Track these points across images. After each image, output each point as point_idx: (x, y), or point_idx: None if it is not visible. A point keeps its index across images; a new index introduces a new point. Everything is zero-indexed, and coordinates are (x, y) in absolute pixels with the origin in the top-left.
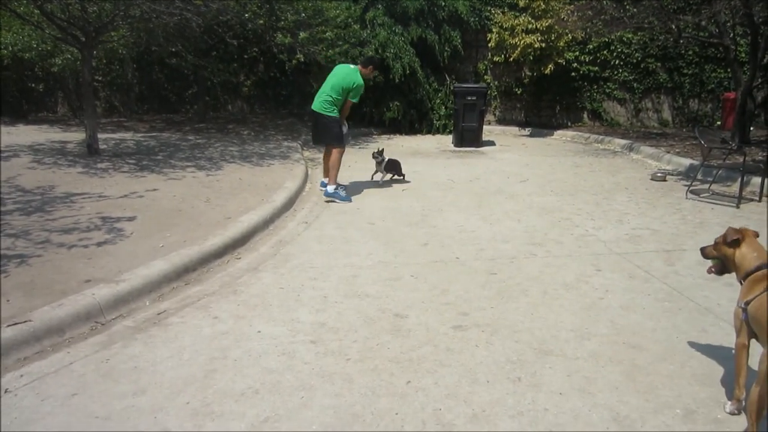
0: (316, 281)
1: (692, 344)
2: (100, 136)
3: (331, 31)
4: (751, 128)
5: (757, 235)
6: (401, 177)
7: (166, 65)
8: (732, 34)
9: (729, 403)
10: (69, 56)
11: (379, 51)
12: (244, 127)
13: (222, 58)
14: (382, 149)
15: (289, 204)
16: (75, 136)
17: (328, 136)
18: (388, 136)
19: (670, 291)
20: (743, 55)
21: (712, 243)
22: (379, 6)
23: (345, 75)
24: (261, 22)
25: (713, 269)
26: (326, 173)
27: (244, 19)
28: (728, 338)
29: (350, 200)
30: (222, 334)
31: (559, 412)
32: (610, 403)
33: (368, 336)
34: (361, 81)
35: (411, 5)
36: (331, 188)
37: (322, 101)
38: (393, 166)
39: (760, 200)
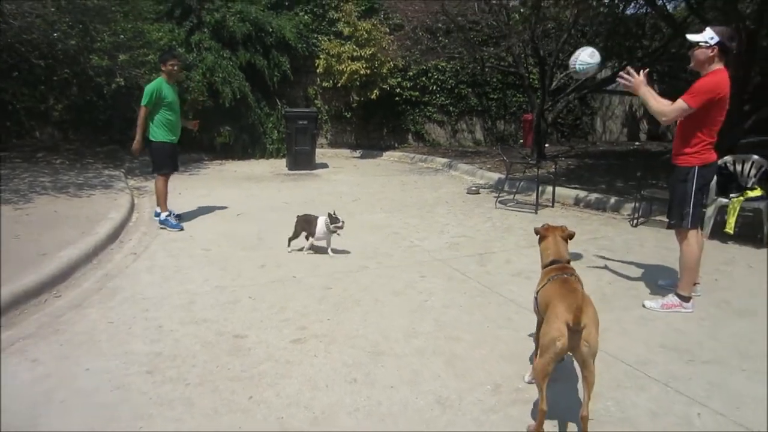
0: (149, 312)
1: (500, 331)
2: None
3: (153, 54)
4: (546, 144)
5: (564, 232)
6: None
7: None
8: (525, 64)
9: (527, 374)
10: None
11: (207, 75)
12: (56, 156)
13: (26, 81)
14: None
15: (114, 235)
16: None
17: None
18: (220, 161)
19: (483, 288)
20: (536, 81)
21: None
22: (205, 30)
23: None
24: (73, 42)
25: None
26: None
27: (52, 39)
28: (529, 322)
29: (181, 228)
30: (44, 377)
31: (391, 403)
32: (434, 389)
33: (207, 359)
34: (148, 86)
35: (238, 30)
36: (163, 215)
37: None
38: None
39: (553, 206)
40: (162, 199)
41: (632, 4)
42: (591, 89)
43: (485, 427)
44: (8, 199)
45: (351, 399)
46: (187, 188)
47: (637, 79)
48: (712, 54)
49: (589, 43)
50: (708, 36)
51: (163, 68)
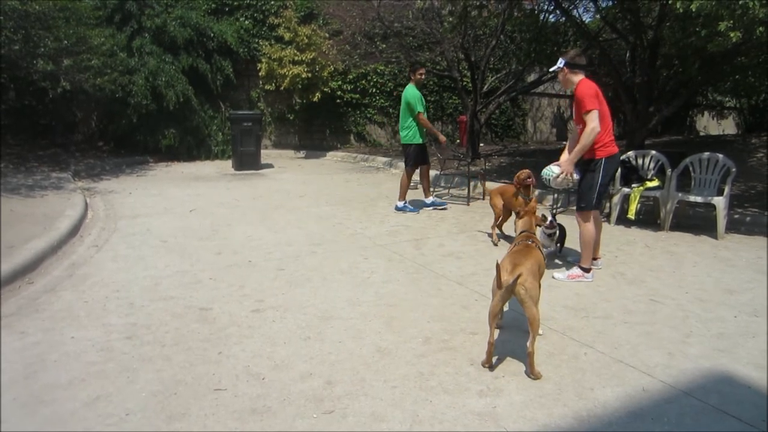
0: (120, 293)
1: (431, 299)
2: None
3: (97, 59)
4: (481, 144)
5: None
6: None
7: None
8: (458, 68)
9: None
10: None
11: (150, 79)
12: None
13: None
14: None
15: (74, 231)
16: None
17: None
18: (165, 163)
19: (418, 267)
20: (469, 84)
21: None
22: (146, 35)
23: (402, 98)
24: (17, 48)
25: None
26: (425, 191)
27: None
28: (455, 292)
29: (417, 211)
30: (34, 344)
31: (339, 352)
32: (374, 341)
33: (179, 326)
34: (410, 91)
35: (179, 35)
36: (400, 203)
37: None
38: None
39: (483, 198)
40: (403, 191)
41: (552, 15)
42: (519, 91)
43: (417, 368)
44: None
45: (306, 351)
46: (137, 188)
47: (564, 166)
48: (565, 73)
49: (518, 49)
50: (558, 63)
51: (413, 77)
